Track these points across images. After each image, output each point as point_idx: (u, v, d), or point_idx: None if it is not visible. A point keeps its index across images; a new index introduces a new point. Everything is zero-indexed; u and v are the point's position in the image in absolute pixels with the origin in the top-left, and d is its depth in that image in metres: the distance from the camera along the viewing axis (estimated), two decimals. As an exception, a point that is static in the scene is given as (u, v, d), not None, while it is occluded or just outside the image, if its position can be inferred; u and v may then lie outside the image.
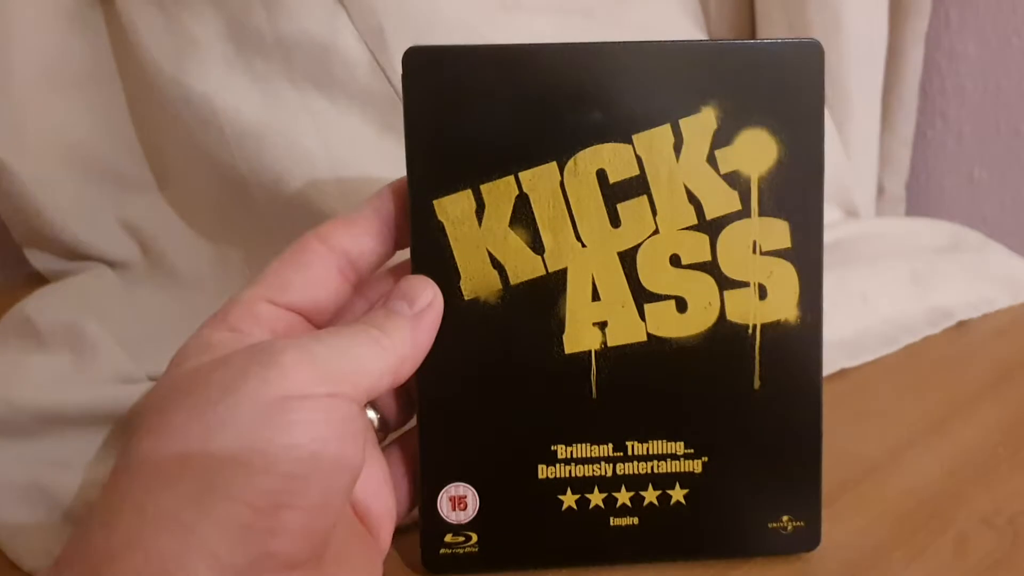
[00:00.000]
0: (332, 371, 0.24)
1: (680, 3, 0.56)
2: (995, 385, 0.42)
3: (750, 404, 0.29)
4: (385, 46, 0.42)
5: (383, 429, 0.31)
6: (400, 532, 0.30)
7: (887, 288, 0.48)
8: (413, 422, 0.30)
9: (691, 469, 0.30)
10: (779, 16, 0.57)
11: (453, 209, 0.28)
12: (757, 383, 0.29)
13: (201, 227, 0.50)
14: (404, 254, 0.29)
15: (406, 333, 0.26)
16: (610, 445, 0.30)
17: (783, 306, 0.29)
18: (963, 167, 0.66)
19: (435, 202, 0.28)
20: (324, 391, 0.23)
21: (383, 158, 0.42)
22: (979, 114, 0.65)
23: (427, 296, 0.28)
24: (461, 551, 0.30)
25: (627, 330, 0.29)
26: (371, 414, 0.30)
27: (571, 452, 0.29)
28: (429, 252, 0.28)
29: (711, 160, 0.28)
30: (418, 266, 0.28)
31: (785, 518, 0.30)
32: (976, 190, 0.66)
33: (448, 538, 0.30)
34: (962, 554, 0.31)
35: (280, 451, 0.22)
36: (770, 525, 0.30)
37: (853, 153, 0.60)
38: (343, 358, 0.24)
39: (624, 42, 0.28)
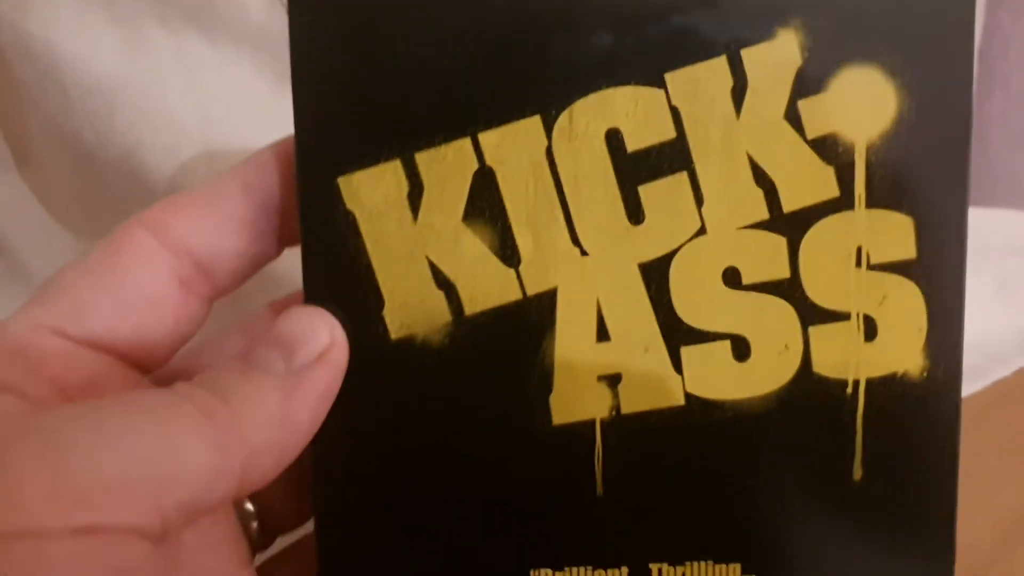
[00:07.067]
0: (99, 483, 0.17)
1: None
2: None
3: (846, 504, 0.23)
4: None
5: (267, 533, 0.24)
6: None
7: (968, 303, 0.43)
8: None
9: None
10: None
11: (370, 192, 0.22)
12: (858, 472, 0.23)
13: (60, 214, 0.43)
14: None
15: (271, 404, 0.20)
16: (625, 569, 0.23)
17: (902, 351, 0.23)
18: (1025, 143, 0.67)
19: (340, 180, 0.22)
20: (75, 523, 0.17)
21: (278, 125, 0.36)
22: (1048, 83, 0.65)
23: (319, 341, 0.21)
24: None
25: (653, 388, 0.23)
26: (248, 507, 0.24)
27: None
28: (330, 262, 0.22)
29: (792, 116, 0.22)
30: (312, 285, 0.22)
31: None
32: (1041, 170, 0.67)
33: None
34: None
35: None
36: None
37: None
38: (129, 456, 0.18)
39: None
